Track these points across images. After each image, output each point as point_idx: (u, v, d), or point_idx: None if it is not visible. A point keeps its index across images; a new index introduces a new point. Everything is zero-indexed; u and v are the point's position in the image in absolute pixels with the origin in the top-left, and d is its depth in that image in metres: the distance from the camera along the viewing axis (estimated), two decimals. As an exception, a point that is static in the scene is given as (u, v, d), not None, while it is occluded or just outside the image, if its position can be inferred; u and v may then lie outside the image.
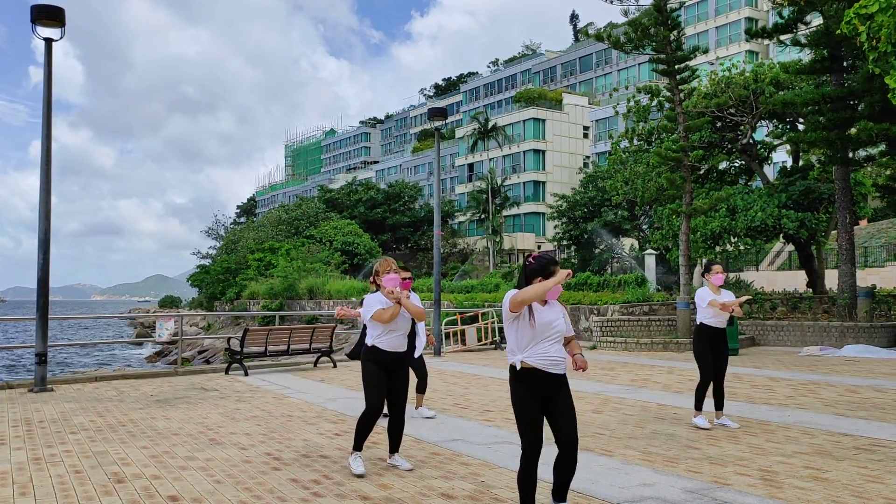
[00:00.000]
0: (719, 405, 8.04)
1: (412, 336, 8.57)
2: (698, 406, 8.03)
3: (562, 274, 4.38)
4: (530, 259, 4.55)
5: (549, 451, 4.79)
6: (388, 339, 6.16)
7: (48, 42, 11.22)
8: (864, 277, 28.96)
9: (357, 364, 8.72)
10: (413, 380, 8.89)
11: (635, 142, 28.22)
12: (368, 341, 6.24)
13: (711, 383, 7.96)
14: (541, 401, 4.45)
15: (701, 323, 8.02)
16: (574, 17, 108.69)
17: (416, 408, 8.88)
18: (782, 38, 21.46)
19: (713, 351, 7.93)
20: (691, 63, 20.26)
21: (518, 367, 4.42)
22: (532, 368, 4.41)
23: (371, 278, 6.46)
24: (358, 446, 6.20)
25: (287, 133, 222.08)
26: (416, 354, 8.70)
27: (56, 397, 10.64)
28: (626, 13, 20.09)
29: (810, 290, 24.21)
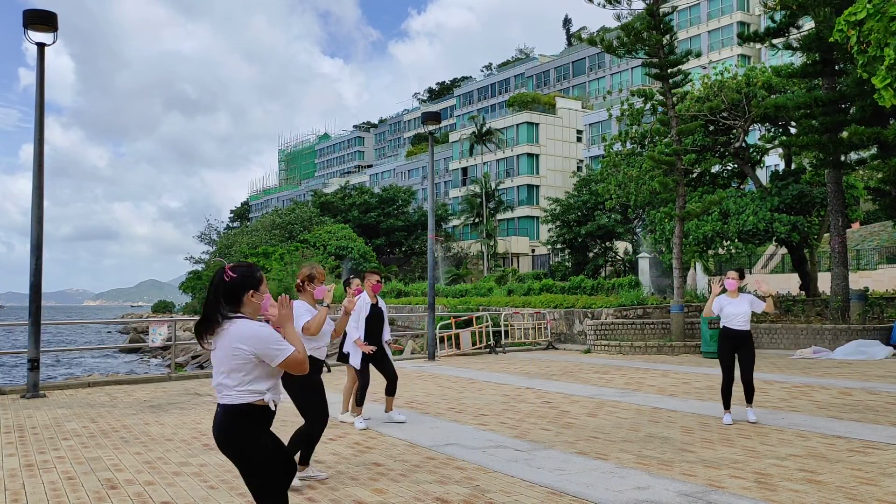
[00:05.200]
0: (748, 399, 8.56)
1: (380, 338, 8.59)
2: (725, 405, 8.52)
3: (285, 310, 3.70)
4: (229, 273, 3.62)
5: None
6: (320, 350, 6.11)
7: (40, 47, 11.19)
8: (857, 280, 29.09)
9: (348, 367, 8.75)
10: (382, 382, 8.90)
11: (628, 145, 28.29)
12: (309, 352, 6.00)
13: (740, 381, 8.49)
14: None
15: (723, 326, 8.55)
16: (567, 22, 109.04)
17: (387, 411, 8.82)
18: (774, 42, 21.57)
19: (733, 351, 8.46)
20: (684, 67, 20.31)
21: (272, 407, 3.70)
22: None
23: (300, 282, 6.06)
24: (307, 459, 6.04)
25: (281, 137, 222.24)
26: (386, 340, 8.67)
27: (49, 403, 10.58)
28: (618, 17, 20.14)
29: (803, 292, 24.30)
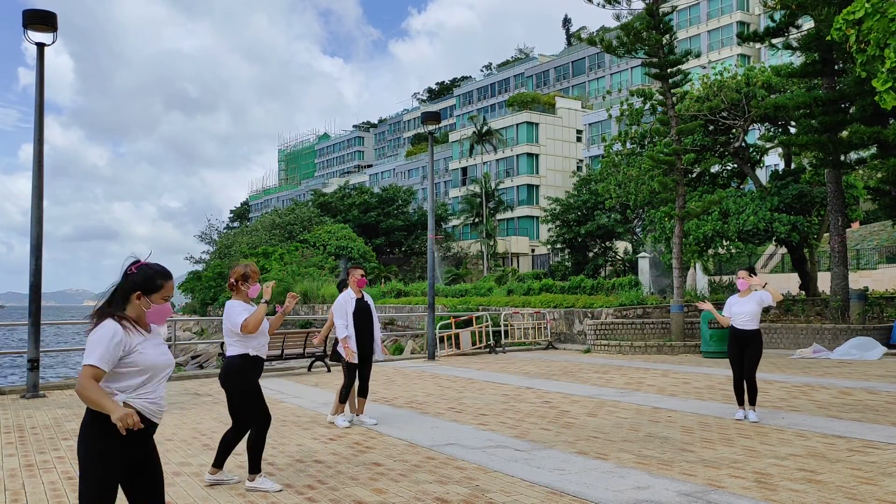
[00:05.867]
0: (750, 400, 8.66)
1: (371, 335, 8.51)
2: (738, 401, 8.72)
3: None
4: (132, 268, 3.52)
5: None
6: (262, 348, 5.99)
7: (40, 47, 11.18)
8: (857, 280, 29.09)
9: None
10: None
11: (628, 145, 28.30)
12: (240, 351, 5.87)
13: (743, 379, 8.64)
14: (131, 459, 3.45)
15: (731, 325, 8.70)
16: (567, 21, 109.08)
17: (358, 414, 8.73)
18: (774, 41, 21.57)
19: (740, 351, 8.59)
20: (683, 67, 20.30)
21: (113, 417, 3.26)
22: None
23: (234, 282, 5.92)
24: (258, 467, 5.87)
25: (281, 137, 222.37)
26: (378, 354, 8.59)
27: (48, 403, 10.58)
28: (618, 17, 20.14)
29: (803, 292, 24.30)
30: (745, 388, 8.60)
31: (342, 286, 8.94)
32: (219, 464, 5.96)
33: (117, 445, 3.35)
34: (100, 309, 3.48)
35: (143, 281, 3.48)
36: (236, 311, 5.85)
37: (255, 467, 5.84)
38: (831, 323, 18.75)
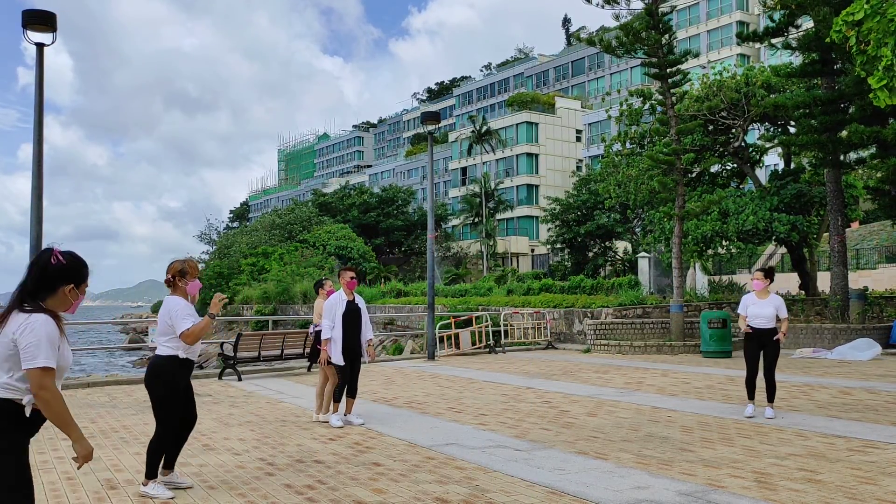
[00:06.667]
0: (768, 397, 8.77)
1: (358, 336, 8.56)
2: (749, 395, 8.91)
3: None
4: (57, 257, 3.19)
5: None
6: (195, 350, 5.78)
7: (39, 47, 11.17)
8: (856, 279, 29.09)
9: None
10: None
11: (628, 145, 28.31)
12: (170, 352, 5.66)
13: (763, 377, 8.76)
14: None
15: (748, 325, 8.83)
16: (566, 21, 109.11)
17: (346, 414, 8.69)
18: (773, 41, 21.59)
19: (759, 348, 8.80)
20: (683, 67, 20.30)
21: (27, 412, 3.23)
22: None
23: (171, 278, 5.70)
24: (155, 472, 5.65)
25: (281, 137, 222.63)
26: (363, 357, 8.65)
27: (48, 404, 10.57)
28: (617, 17, 20.12)
29: (803, 292, 24.30)
30: (766, 385, 8.73)
31: (318, 286, 8.98)
32: (152, 474, 5.67)
33: (24, 437, 3.16)
34: (15, 303, 3.15)
35: (75, 270, 3.21)
36: (182, 314, 5.59)
37: (151, 472, 5.62)
38: (831, 323, 18.75)
